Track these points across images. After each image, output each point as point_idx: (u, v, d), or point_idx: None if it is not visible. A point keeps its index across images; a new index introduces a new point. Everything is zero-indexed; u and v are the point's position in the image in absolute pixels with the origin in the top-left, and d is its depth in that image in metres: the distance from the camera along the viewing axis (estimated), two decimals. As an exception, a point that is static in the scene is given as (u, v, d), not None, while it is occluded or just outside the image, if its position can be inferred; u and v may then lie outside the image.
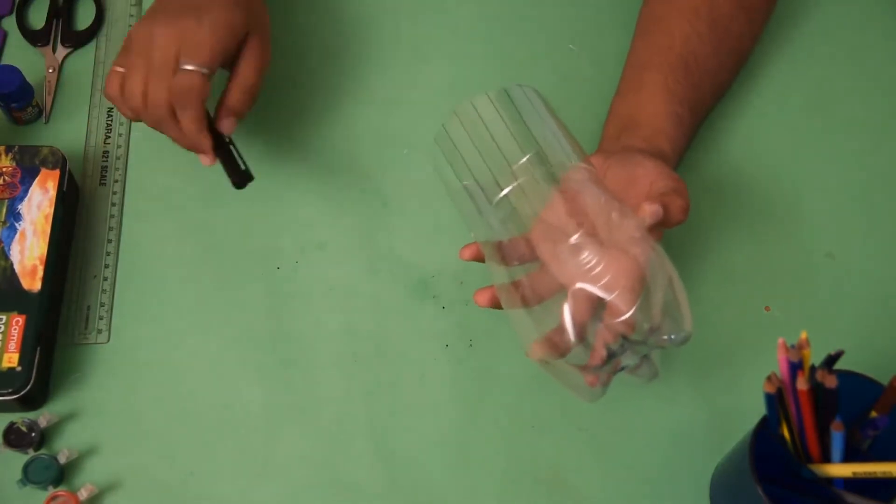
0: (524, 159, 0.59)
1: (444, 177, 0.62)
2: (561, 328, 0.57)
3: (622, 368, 0.57)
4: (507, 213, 0.60)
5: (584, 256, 0.56)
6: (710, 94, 0.76)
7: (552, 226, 0.60)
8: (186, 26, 0.65)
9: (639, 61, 0.75)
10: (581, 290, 0.56)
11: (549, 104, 0.63)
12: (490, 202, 0.60)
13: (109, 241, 0.74)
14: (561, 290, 0.58)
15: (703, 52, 0.74)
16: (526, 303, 0.60)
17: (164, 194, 0.76)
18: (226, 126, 0.67)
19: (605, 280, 0.55)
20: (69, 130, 0.78)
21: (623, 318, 0.54)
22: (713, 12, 0.75)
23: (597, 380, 0.58)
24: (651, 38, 0.76)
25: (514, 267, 0.61)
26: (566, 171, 0.60)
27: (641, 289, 0.55)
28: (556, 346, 0.57)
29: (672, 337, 0.55)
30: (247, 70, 0.68)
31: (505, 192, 0.59)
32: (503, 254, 0.61)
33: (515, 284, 0.60)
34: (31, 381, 0.65)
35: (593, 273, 0.56)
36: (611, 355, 0.56)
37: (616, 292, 0.55)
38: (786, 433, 0.57)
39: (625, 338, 0.55)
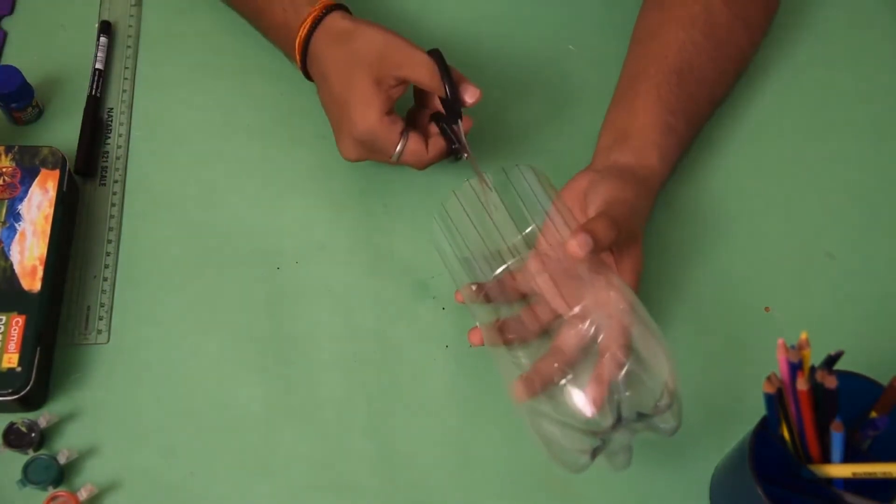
0: (519, 238, 0.65)
1: (442, 250, 0.66)
2: (548, 355, 0.62)
3: (599, 451, 0.60)
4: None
5: (582, 327, 0.62)
6: (707, 103, 0.76)
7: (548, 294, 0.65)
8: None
9: (633, 71, 0.75)
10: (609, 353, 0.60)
11: (545, 180, 0.66)
12: (486, 277, 0.65)
13: (109, 241, 0.74)
14: (550, 325, 0.65)
15: (698, 62, 0.74)
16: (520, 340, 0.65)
17: (164, 194, 0.76)
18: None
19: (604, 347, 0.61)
20: (69, 130, 0.77)
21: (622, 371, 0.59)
22: (710, 21, 0.74)
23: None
24: (646, 47, 0.76)
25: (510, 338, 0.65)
26: (560, 247, 0.64)
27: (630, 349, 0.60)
28: (541, 376, 0.61)
29: (663, 427, 0.59)
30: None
31: (500, 269, 0.64)
32: (503, 326, 0.66)
33: (504, 333, 0.65)
34: (31, 382, 0.65)
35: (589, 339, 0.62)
36: (617, 420, 0.58)
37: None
38: (786, 433, 0.58)
39: (640, 414, 0.58)
